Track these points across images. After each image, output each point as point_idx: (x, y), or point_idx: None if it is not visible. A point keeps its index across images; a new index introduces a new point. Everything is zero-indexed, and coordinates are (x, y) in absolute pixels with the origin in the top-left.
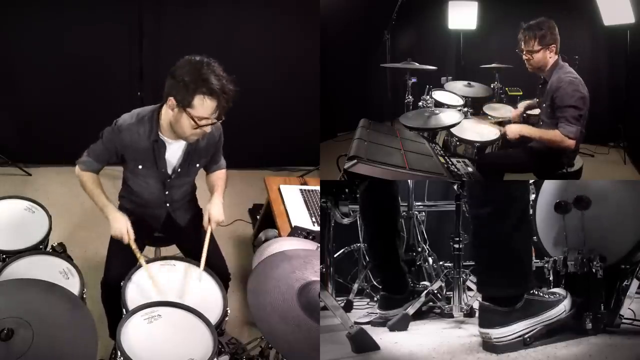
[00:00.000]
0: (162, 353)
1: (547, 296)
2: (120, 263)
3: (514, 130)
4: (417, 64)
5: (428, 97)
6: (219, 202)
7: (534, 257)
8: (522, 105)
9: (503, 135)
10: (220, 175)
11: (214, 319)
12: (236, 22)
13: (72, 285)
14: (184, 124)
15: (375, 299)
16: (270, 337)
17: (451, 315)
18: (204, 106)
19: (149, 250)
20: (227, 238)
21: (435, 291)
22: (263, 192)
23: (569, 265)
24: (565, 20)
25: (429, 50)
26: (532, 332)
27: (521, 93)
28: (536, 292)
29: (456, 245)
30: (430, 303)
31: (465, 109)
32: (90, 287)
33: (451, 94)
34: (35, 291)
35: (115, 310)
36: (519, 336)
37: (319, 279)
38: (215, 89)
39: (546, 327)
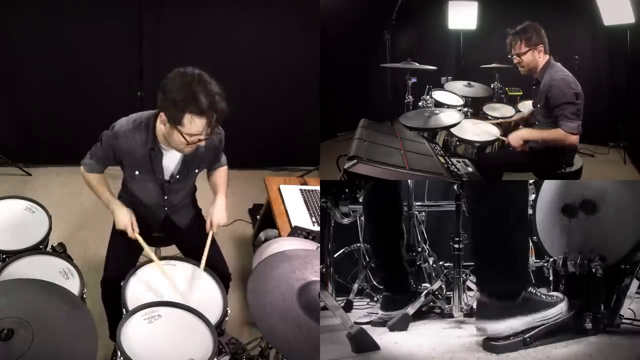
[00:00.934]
0: (162, 353)
1: (545, 297)
2: (120, 262)
3: (518, 137)
4: (417, 64)
5: (428, 97)
6: (222, 205)
7: (534, 257)
8: (526, 108)
9: (507, 145)
10: (222, 174)
11: (214, 319)
12: (236, 22)
13: (72, 285)
14: (176, 140)
15: (375, 299)
16: (270, 337)
17: (451, 315)
18: (193, 124)
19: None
20: (227, 238)
21: (435, 291)
22: (263, 192)
23: (569, 265)
24: (565, 20)
25: (429, 50)
26: (531, 333)
27: (521, 93)
28: (534, 292)
29: (456, 245)
30: (431, 303)
31: (465, 109)
32: (90, 287)
33: (451, 94)
34: (35, 291)
35: (115, 309)
36: (516, 333)
37: (319, 279)
38: (204, 109)
39: (544, 328)
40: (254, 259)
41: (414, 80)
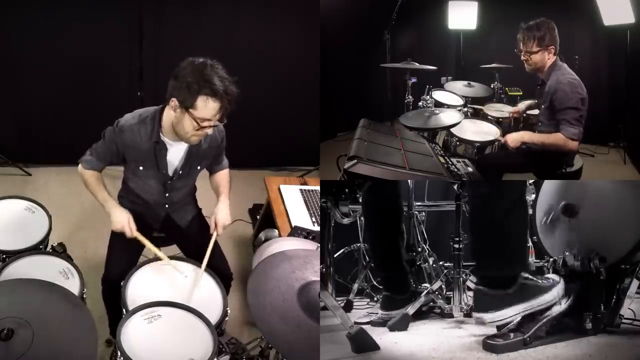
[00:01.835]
0: (162, 353)
1: (541, 281)
2: (120, 262)
3: (515, 138)
4: (417, 64)
5: (428, 97)
6: (225, 206)
7: (534, 257)
8: (523, 104)
9: (504, 145)
10: (224, 176)
11: (214, 319)
12: (236, 22)
13: (72, 285)
14: (186, 125)
15: (375, 299)
16: (270, 337)
17: (451, 315)
18: (207, 107)
19: (149, 250)
20: (227, 238)
21: (435, 291)
22: (263, 192)
23: (569, 266)
24: (565, 20)
25: (429, 50)
26: (530, 332)
27: (521, 93)
28: (530, 277)
29: (456, 245)
30: (431, 303)
31: (465, 109)
32: (90, 287)
33: (451, 94)
34: (35, 291)
35: (116, 307)
36: (512, 320)
37: (319, 279)
38: (218, 90)
39: (542, 317)
40: (254, 259)
41: (414, 80)
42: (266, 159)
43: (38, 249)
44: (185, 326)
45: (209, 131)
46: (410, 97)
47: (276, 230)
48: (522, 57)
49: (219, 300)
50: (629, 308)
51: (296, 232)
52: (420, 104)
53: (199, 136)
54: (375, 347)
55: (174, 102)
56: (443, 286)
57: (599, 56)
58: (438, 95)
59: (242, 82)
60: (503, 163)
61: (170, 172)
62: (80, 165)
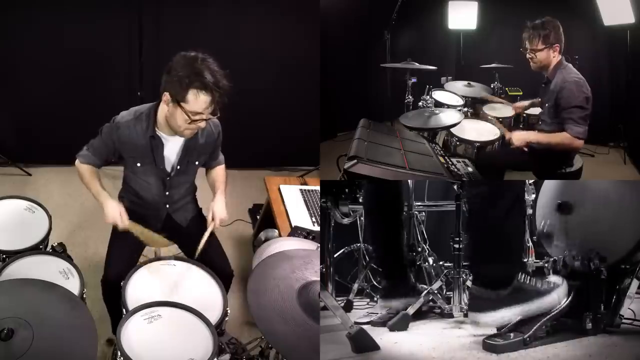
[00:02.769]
0: (162, 353)
1: (539, 285)
2: (120, 261)
3: (521, 137)
4: (417, 64)
5: (428, 97)
6: (222, 201)
7: (534, 257)
8: (525, 102)
9: (508, 142)
10: (220, 172)
11: (214, 319)
12: (236, 22)
13: (72, 285)
14: (179, 119)
15: (375, 299)
16: (270, 337)
17: (451, 315)
18: (197, 101)
19: (149, 250)
20: (227, 238)
21: (435, 291)
22: (263, 192)
23: (569, 265)
24: (565, 20)
25: (429, 50)
26: (530, 332)
27: (521, 93)
28: (527, 281)
29: (456, 245)
30: (431, 303)
31: (465, 109)
32: (90, 287)
33: (451, 94)
34: (35, 291)
35: (116, 307)
36: (510, 329)
37: (319, 279)
38: (208, 84)
39: (543, 324)
40: (254, 259)
41: (414, 80)
42: (266, 159)
43: (38, 249)
44: (185, 326)
45: (202, 124)
46: (410, 97)
47: (276, 230)
48: (527, 55)
49: (219, 300)
50: (629, 308)
51: (296, 232)
52: (420, 104)
53: (192, 130)
54: (375, 347)
55: (166, 96)
56: (443, 286)
57: (599, 56)
58: (438, 95)
59: (242, 82)
60: (503, 163)
61: (168, 168)
62: (77, 160)
